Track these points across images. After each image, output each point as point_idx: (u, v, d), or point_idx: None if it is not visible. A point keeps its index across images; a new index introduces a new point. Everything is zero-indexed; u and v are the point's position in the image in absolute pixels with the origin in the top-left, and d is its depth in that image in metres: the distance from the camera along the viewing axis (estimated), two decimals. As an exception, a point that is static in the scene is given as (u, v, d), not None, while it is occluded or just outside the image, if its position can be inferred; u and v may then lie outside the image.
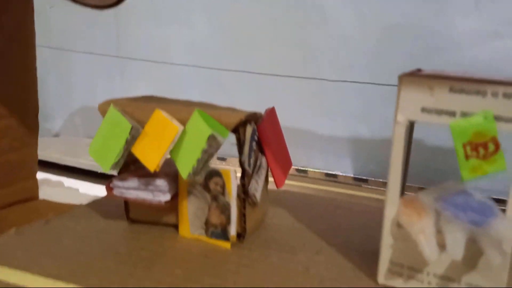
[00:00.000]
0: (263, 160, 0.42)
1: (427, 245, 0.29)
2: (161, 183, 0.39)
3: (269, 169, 0.43)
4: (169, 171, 0.41)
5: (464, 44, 0.63)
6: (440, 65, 0.59)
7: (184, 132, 0.36)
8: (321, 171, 0.72)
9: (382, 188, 0.64)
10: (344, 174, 0.71)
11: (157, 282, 0.33)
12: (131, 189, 0.40)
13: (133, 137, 0.37)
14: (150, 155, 0.37)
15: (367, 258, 0.36)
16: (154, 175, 0.40)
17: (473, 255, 0.30)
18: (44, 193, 0.61)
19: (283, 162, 0.44)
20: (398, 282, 0.33)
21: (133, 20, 0.88)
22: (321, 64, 0.72)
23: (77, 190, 0.66)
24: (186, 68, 0.84)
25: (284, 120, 0.77)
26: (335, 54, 0.70)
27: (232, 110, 0.39)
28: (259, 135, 0.40)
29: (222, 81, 0.80)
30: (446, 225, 0.30)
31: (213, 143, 0.35)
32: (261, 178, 0.41)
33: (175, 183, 0.41)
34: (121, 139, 0.37)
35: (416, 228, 0.30)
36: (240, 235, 0.40)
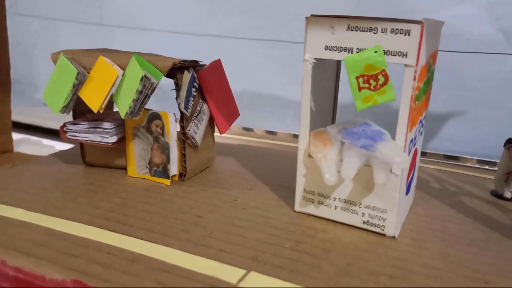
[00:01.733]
0: (205, 106, 0.45)
1: (327, 170, 0.32)
2: (108, 126, 0.43)
3: (213, 116, 0.46)
4: (118, 116, 0.45)
5: (428, 10, 0.65)
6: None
7: (123, 76, 0.39)
8: (290, 132, 0.75)
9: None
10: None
11: (95, 207, 0.37)
12: (82, 132, 0.44)
13: (80, 82, 0.41)
14: (94, 98, 0.40)
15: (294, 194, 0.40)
16: (103, 119, 0.44)
17: (370, 180, 0.33)
18: (21, 150, 0.65)
19: (228, 110, 0.48)
20: (311, 208, 0.36)
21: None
22: (293, 30, 0.74)
23: (53, 147, 0.70)
24: (165, 34, 0.87)
25: (257, 84, 0.80)
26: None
27: (171, 58, 0.42)
28: (200, 82, 0.44)
29: (199, 46, 0.83)
30: (345, 152, 0.33)
31: (146, 84, 0.38)
32: (201, 123, 0.44)
33: (123, 127, 0.44)
34: (69, 83, 0.41)
35: (320, 155, 0.33)
36: (181, 175, 0.44)
